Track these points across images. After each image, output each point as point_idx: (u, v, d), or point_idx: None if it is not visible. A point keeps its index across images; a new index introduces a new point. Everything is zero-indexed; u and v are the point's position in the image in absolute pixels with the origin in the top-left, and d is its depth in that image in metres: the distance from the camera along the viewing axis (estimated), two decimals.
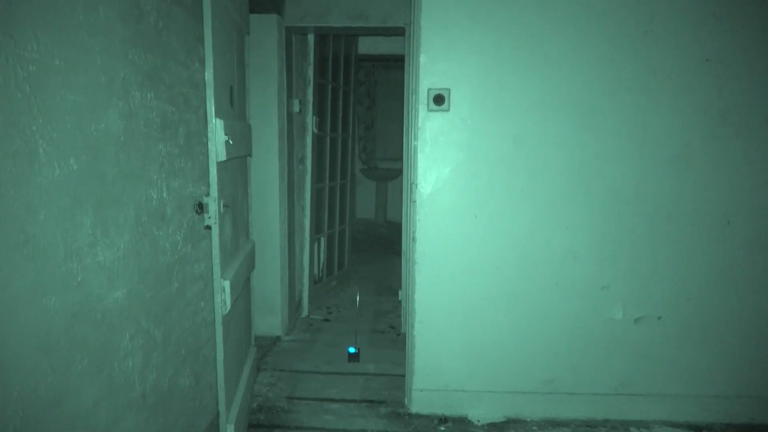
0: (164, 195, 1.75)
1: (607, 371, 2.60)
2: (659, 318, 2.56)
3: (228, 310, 2.07)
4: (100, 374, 1.36)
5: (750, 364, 2.59)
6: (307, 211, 3.96)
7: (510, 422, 2.60)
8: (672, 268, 2.52)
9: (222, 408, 2.05)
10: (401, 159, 3.65)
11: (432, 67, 2.43)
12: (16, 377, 1.06)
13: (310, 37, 3.80)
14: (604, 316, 2.57)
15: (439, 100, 2.43)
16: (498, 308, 2.58)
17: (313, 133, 3.91)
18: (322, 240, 4.31)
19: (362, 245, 6.25)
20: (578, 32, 2.39)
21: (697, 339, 2.57)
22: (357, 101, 6.09)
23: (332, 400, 2.77)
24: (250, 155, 2.73)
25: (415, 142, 2.50)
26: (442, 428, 2.55)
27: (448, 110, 2.45)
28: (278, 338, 3.58)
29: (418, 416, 2.63)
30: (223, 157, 1.97)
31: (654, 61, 2.39)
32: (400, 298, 3.62)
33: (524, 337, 2.59)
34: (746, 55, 2.38)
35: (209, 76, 1.90)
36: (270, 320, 3.56)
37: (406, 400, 2.72)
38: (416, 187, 2.52)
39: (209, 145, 1.94)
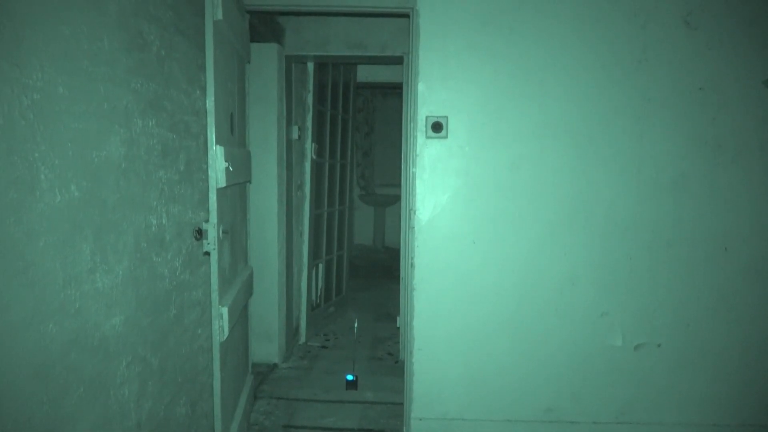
0: (164, 221, 1.75)
1: (608, 399, 2.58)
2: (659, 345, 2.54)
3: (225, 336, 2.05)
4: (95, 403, 1.34)
5: (750, 391, 2.56)
6: (306, 237, 3.96)
7: None
8: (671, 295, 2.52)
9: None
10: (399, 185, 3.67)
11: (430, 95, 2.46)
12: (11, 406, 1.04)
13: (310, 66, 3.85)
14: (604, 343, 2.55)
15: (437, 127, 2.46)
16: (497, 335, 2.56)
17: (311, 159, 3.94)
18: (321, 266, 4.30)
19: (360, 271, 6.22)
20: (574, 62, 2.43)
21: (697, 366, 2.55)
22: (355, 128, 6.14)
23: (330, 429, 2.73)
24: (249, 181, 2.74)
25: (414, 169, 2.51)
26: None
27: (446, 137, 2.47)
28: (275, 365, 3.54)
29: None
30: (222, 183, 1.98)
31: (648, 90, 2.43)
32: (398, 325, 3.60)
33: (524, 365, 2.57)
34: (738, 83, 2.42)
35: (210, 103, 1.92)
36: (267, 347, 3.52)
37: (404, 428, 2.68)
38: (415, 213, 2.53)
39: (209, 172, 1.96)
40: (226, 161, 1.99)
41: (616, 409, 2.58)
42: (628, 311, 2.53)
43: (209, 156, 1.95)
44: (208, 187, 1.99)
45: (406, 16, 2.55)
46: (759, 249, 2.49)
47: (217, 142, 1.95)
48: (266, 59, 3.33)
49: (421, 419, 2.60)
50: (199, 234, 1.97)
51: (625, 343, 2.55)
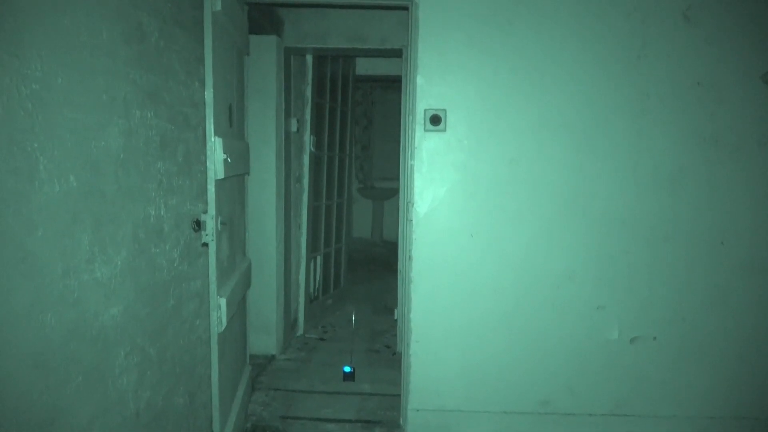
0: (162, 212, 1.75)
1: (603, 392, 2.60)
2: (654, 338, 2.56)
3: (224, 327, 2.06)
4: (95, 392, 1.35)
5: (746, 384, 2.58)
6: (304, 230, 3.97)
7: None
8: (667, 289, 2.54)
9: (216, 428, 2.04)
10: (398, 178, 3.67)
11: (429, 88, 2.46)
12: (11, 396, 1.05)
13: (309, 58, 3.85)
14: (600, 337, 2.57)
15: (435, 120, 2.46)
16: (494, 328, 2.57)
17: (310, 152, 3.94)
18: (319, 258, 4.31)
19: (358, 264, 6.24)
20: (573, 57, 2.43)
21: (692, 359, 2.57)
22: (354, 121, 6.13)
23: (327, 420, 2.75)
24: (247, 174, 2.74)
25: (412, 162, 2.52)
26: None
27: (444, 131, 2.47)
28: (273, 357, 3.55)
29: None
30: (221, 175, 1.98)
31: (647, 85, 2.43)
32: (395, 318, 3.61)
33: (521, 357, 2.59)
34: (736, 78, 2.43)
35: (209, 95, 1.92)
36: (265, 339, 3.54)
37: (401, 420, 2.70)
38: (413, 206, 2.53)
39: (208, 164, 1.96)
40: (224, 153, 1.99)
41: (611, 402, 2.60)
42: (625, 305, 2.55)
43: (208, 148, 1.95)
44: (206, 178, 2.00)
45: (406, 8, 2.55)
46: (755, 243, 2.50)
47: (216, 134, 1.96)
48: (265, 51, 3.32)
49: (418, 410, 2.62)
50: (198, 225, 1.98)
51: (621, 336, 2.56)
